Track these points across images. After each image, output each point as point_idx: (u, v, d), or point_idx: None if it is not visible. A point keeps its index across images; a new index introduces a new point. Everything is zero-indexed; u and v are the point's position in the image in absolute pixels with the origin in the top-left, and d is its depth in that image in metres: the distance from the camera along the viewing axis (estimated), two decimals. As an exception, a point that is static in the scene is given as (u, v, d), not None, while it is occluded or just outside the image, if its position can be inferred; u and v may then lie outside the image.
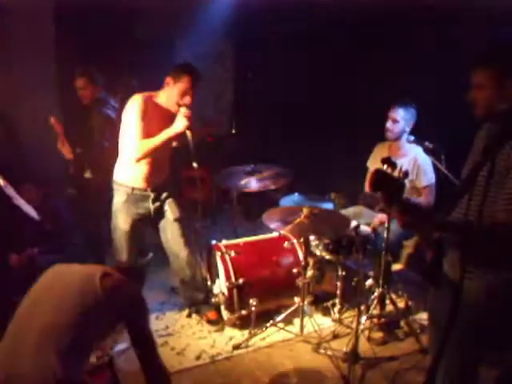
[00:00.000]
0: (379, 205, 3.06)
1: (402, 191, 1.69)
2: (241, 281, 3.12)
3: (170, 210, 3.15)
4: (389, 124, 3.36)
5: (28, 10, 4.48)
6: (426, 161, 3.27)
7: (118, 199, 3.08)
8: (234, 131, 4.24)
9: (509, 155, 1.61)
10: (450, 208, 1.80)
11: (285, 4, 4.49)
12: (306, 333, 3.15)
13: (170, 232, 3.18)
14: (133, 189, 3.03)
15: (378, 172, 1.68)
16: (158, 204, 3.13)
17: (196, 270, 3.29)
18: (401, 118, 3.31)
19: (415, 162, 3.30)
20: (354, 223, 3.07)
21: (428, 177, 3.29)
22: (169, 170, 3.18)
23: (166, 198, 3.15)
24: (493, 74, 1.72)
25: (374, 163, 3.59)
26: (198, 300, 3.33)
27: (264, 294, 3.18)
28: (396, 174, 1.74)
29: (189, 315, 3.38)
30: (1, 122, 4.31)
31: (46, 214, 3.95)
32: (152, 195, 3.09)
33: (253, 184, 3.50)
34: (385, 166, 1.74)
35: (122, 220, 3.09)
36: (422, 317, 3.20)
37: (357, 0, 3.88)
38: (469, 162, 1.87)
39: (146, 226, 3.24)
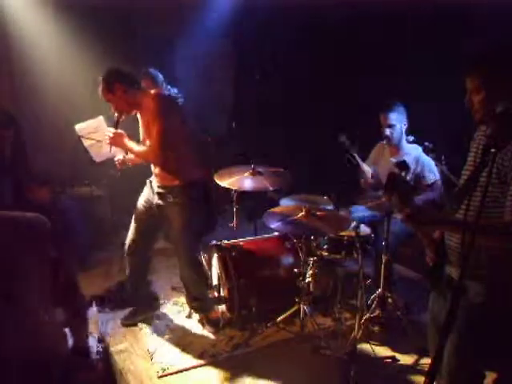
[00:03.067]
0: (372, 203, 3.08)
1: (413, 194, 1.71)
2: (241, 281, 3.12)
3: (168, 218, 3.07)
4: (387, 131, 3.36)
5: (28, 10, 4.50)
6: (428, 159, 3.27)
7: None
8: (233, 129, 4.23)
9: None
10: (452, 209, 1.80)
11: (285, 4, 4.50)
12: (305, 333, 3.15)
13: (171, 238, 3.19)
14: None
15: (392, 175, 1.71)
16: (159, 202, 3.07)
17: (191, 282, 3.22)
18: (395, 121, 3.31)
19: (418, 160, 3.29)
20: (353, 223, 3.07)
21: (433, 173, 3.26)
22: (172, 176, 2.99)
23: (167, 202, 3.03)
24: (486, 78, 1.72)
25: (371, 163, 3.60)
26: (194, 306, 3.32)
27: (264, 294, 3.18)
28: (409, 177, 1.79)
29: (189, 315, 3.39)
30: (11, 121, 4.31)
31: (54, 212, 3.96)
32: (156, 189, 3.08)
33: (253, 184, 3.50)
34: (398, 170, 1.78)
35: (140, 196, 3.21)
36: (422, 317, 3.21)
37: (357, 2, 3.89)
38: (468, 164, 1.87)
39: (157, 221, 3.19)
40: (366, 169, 3.45)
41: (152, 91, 2.97)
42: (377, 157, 3.60)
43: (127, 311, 3.39)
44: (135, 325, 3.30)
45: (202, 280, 3.24)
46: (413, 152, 3.34)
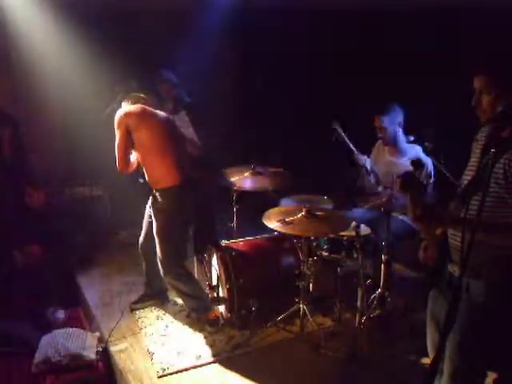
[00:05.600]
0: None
1: (424, 194, 1.73)
2: (241, 281, 3.12)
3: (153, 221, 3.17)
4: (379, 134, 3.41)
5: (29, 10, 4.49)
6: (426, 160, 3.27)
7: None
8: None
9: None
10: (455, 209, 1.81)
11: (285, 5, 4.50)
12: (305, 333, 3.15)
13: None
14: None
15: (407, 174, 1.73)
16: (150, 206, 3.22)
17: (175, 289, 3.28)
18: (386, 125, 3.34)
19: None
20: (353, 223, 3.07)
21: (430, 175, 3.26)
22: (152, 180, 3.14)
23: (153, 204, 3.16)
24: (497, 78, 1.72)
25: (372, 162, 3.61)
26: (191, 307, 3.32)
27: (264, 294, 3.18)
28: (423, 175, 1.82)
29: (189, 315, 3.39)
30: (9, 121, 4.32)
31: (48, 213, 3.98)
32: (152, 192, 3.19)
33: (253, 184, 3.50)
34: (413, 168, 1.81)
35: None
36: (422, 317, 3.20)
37: (356, 4, 3.90)
38: (470, 165, 1.87)
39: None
40: (360, 157, 3.47)
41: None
42: (376, 155, 3.62)
43: (136, 297, 3.52)
44: (135, 315, 3.31)
45: (186, 289, 3.22)
46: (411, 152, 3.35)
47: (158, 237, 3.13)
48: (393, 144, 3.41)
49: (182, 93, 4.58)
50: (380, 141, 3.57)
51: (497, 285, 1.72)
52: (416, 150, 3.32)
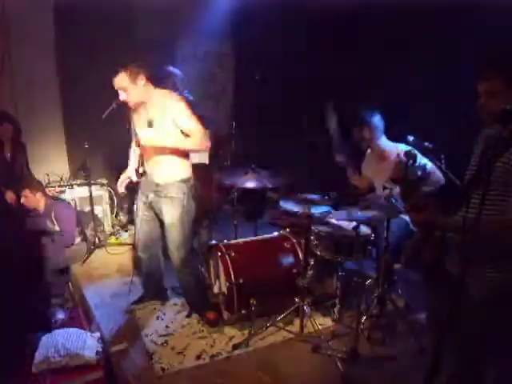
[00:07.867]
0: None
1: (419, 186, 1.73)
2: (241, 281, 3.12)
3: (166, 212, 3.12)
4: (366, 144, 3.50)
5: (29, 10, 4.50)
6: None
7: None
8: (233, 131, 4.23)
9: None
10: (455, 208, 1.81)
11: (284, 4, 4.50)
12: (305, 333, 3.15)
13: (168, 235, 3.18)
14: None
15: (400, 163, 1.73)
16: (154, 197, 3.14)
17: (186, 283, 3.29)
18: (372, 134, 3.38)
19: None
20: (353, 223, 3.07)
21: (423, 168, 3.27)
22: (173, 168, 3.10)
23: (165, 196, 3.10)
24: (506, 80, 1.71)
25: (365, 167, 3.66)
26: (193, 306, 3.33)
27: (264, 293, 3.17)
28: (417, 169, 1.81)
29: (189, 315, 3.39)
30: (10, 120, 4.33)
31: (48, 215, 3.97)
32: (153, 184, 3.12)
33: (252, 184, 3.50)
34: (406, 158, 1.80)
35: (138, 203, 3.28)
36: (422, 317, 3.20)
37: (357, 2, 3.90)
38: (472, 165, 1.87)
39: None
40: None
41: (168, 91, 3.05)
42: (366, 165, 3.66)
43: (136, 296, 3.53)
44: (135, 315, 3.31)
45: (199, 281, 3.25)
46: (393, 151, 3.35)
47: (177, 225, 3.08)
48: (376, 146, 3.45)
49: (186, 92, 4.59)
50: (369, 151, 3.60)
51: (497, 284, 1.72)
52: (397, 150, 3.29)
